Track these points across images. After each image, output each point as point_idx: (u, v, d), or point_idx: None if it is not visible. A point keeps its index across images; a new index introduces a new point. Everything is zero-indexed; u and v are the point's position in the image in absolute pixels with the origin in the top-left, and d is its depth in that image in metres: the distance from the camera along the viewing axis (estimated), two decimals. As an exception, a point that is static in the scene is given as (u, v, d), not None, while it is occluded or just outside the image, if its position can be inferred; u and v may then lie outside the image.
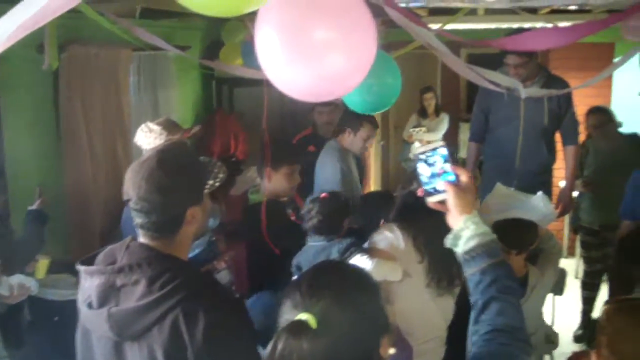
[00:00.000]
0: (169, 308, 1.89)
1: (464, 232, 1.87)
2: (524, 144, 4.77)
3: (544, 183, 4.78)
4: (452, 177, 1.92)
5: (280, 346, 1.42)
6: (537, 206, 3.17)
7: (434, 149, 1.95)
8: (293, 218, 4.76)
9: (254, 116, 5.96)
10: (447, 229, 2.60)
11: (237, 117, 6.38)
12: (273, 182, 3.91)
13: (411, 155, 2.13)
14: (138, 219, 2.02)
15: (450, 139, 7.26)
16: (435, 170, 1.94)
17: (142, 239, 2.05)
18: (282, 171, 3.92)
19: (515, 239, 3.17)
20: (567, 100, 4.83)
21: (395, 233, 2.93)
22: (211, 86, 6.52)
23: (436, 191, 1.94)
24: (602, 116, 5.63)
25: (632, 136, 5.54)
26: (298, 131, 5.50)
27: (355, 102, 3.16)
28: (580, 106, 6.47)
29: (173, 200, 2.01)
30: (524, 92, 3.97)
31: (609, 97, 7.74)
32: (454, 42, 8.52)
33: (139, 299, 1.91)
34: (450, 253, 2.18)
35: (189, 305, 1.90)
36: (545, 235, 3.36)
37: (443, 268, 2.86)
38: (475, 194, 1.97)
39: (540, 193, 3.26)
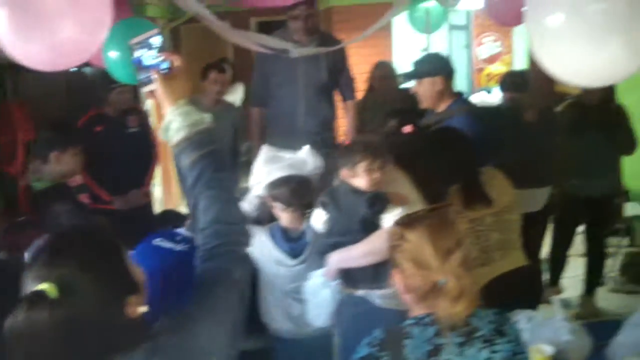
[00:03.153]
0: None
1: (172, 124, 1.82)
2: (305, 103, 4.90)
3: (327, 139, 4.98)
4: (164, 65, 1.86)
5: (19, 319, 1.38)
6: (306, 161, 3.28)
7: (148, 38, 1.89)
8: (87, 201, 4.68)
9: (43, 103, 5.76)
10: None
11: (22, 105, 6.10)
12: (61, 165, 3.86)
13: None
14: None
15: (247, 108, 7.31)
16: (150, 60, 1.88)
17: None
18: (69, 152, 3.88)
19: (289, 196, 3.21)
20: (342, 57, 5.04)
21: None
22: (-9, 74, 6.17)
23: (150, 80, 1.88)
24: (388, 70, 6.03)
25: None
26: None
27: (121, 73, 3.13)
28: (363, 64, 6.81)
29: None
30: (295, 52, 4.14)
31: (390, 55, 8.15)
32: (244, 11, 8.61)
33: None
34: None
35: None
36: None
37: None
38: (186, 81, 1.90)
39: (306, 147, 3.34)
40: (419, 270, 1.97)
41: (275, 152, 3.37)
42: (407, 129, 2.93)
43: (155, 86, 1.85)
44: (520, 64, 8.92)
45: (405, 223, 2.06)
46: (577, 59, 1.74)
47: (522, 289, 3.34)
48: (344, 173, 3.00)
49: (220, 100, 5.59)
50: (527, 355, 2.12)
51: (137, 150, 5.03)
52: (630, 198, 6.68)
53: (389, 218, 2.85)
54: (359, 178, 2.97)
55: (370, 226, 2.96)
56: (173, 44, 9.54)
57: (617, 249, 6.18)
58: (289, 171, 3.23)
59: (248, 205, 3.37)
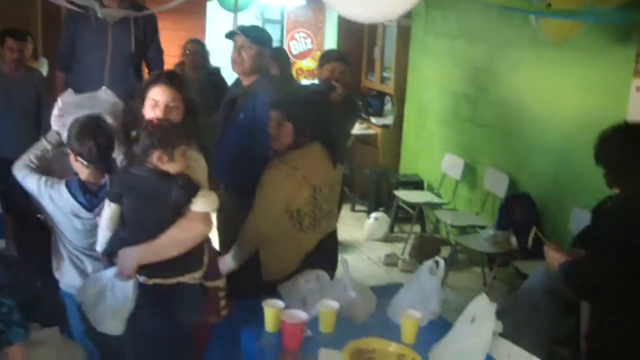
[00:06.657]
0: None
1: None
2: (111, 71, 4.77)
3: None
4: None
5: None
6: (103, 97, 3.26)
7: None
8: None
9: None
10: None
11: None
12: None
13: None
14: None
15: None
16: None
17: None
18: None
19: (95, 154, 3.08)
20: (153, 29, 4.99)
21: None
22: None
23: None
24: (199, 48, 6.22)
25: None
26: None
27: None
28: (176, 46, 6.78)
29: None
30: (99, 11, 4.07)
31: (203, 37, 8.16)
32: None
33: None
34: None
35: None
36: None
37: None
38: None
39: (104, 87, 3.34)
40: None
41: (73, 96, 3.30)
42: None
43: None
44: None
45: None
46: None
47: (332, 251, 3.66)
48: (157, 156, 2.72)
49: (22, 66, 5.36)
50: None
51: None
52: (424, 187, 7.21)
53: (199, 203, 2.74)
54: (173, 162, 2.73)
55: (175, 214, 2.76)
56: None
57: (409, 235, 6.64)
58: (86, 107, 3.17)
59: (45, 145, 3.30)
